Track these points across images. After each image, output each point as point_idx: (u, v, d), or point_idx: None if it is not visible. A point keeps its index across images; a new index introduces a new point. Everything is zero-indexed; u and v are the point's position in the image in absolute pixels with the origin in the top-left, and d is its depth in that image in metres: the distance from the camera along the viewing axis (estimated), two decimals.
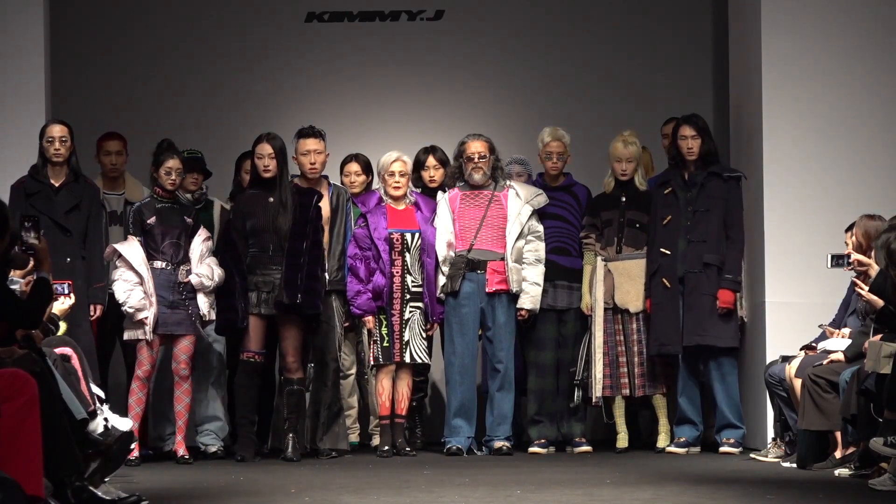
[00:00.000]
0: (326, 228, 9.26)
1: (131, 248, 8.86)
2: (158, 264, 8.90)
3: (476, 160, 9.40)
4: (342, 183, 9.66)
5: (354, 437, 9.74)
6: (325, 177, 9.46)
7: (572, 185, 9.67)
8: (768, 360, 8.87)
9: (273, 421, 9.65)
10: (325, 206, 9.27)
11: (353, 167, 9.71)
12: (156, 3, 11.23)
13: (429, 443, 9.88)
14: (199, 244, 9.00)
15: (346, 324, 9.38)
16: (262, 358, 9.14)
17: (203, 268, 8.94)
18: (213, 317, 9.01)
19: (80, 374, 6.83)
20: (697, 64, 11.11)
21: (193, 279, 8.90)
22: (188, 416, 9.06)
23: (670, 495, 6.45)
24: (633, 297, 9.34)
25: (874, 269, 7.72)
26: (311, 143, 9.27)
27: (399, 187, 9.36)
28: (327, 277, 9.20)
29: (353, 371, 9.70)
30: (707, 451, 9.28)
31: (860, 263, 7.95)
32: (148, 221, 8.91)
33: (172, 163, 8.97)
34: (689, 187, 9.32)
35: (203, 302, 8.93)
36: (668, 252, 9.26)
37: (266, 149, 9.11)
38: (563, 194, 9.61)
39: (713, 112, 10.74)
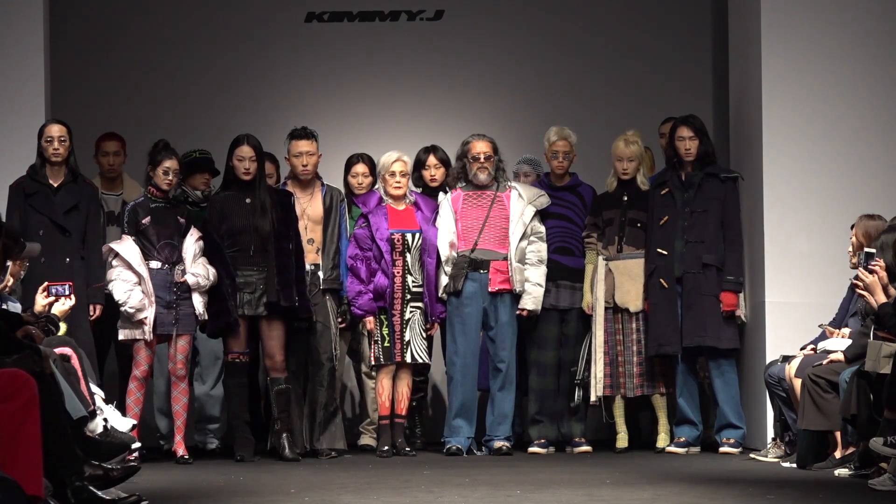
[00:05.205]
0: (319, 228, 9.28)
1: (128, 248, 8.84)
2: (154, 265, 8.89)
3: (482, 160, 9.40)
4: (348, 183, 9.66)
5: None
6: (319, 178, 9.47)
7: (578, 185, 9.66)
8: (768, 360, 8.87)
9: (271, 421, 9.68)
10: (317, 205, 9.29)
11: (361, 168, 9.67)
12: (155, 4, 11.23)
13: (429, 443, 9.88)
14: (192, 244, 8.99)
15: (342, 324, 9.37)
16: (248, 358, 9.16)
17: (198, 267, 8.94)
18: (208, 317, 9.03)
19: (79, 373, 6.84)
20: (697, 64, 11.11)
21: (190, 279, 8.89)
22: (186, 416, 9.08)
23: (670, 495, 6.45)
24: (633, 296, 9.34)
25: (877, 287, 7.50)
26: (303, 145, 9.29)
27: (400, 187, 9.37)
28: (321, 276, 9.22)
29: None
30: (707, 451, 9.28)
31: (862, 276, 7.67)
32: (143, 221, 8.90)
33: (170, 163, 8.96)
34: (686, 188, 9.32)
35: (198, 302, 8.93)
36: (665, 252, 9.27)
37: (247, 151, 9.12)
38: (568, 194, 9.61)
39: (713, 112, 10.74)
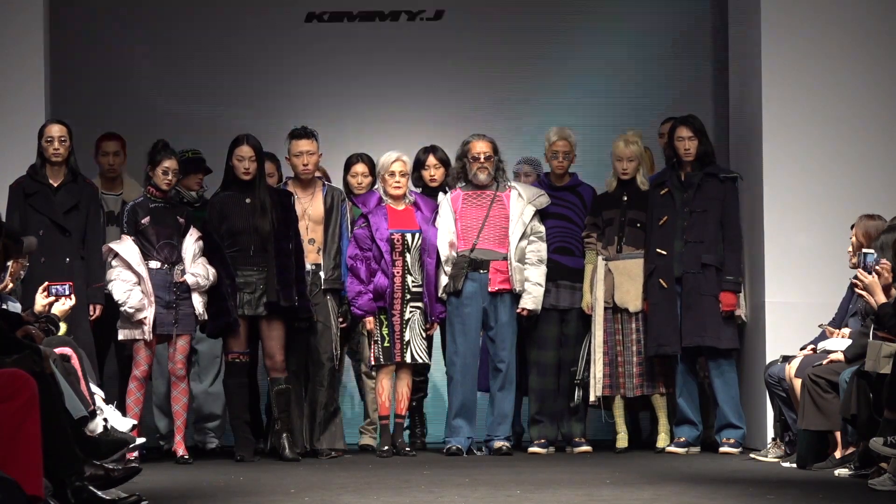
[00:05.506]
0: (320, 228, 9.29)
1: (128, 248, 8.85)
2: (154, 265, 8.89)
3: (482, 160, 9.40)
4: (348, 183, 9.67)
5: None
6: (320, 177, 9.47)
7: (577, 185, 9.66)
8: (768, 360, 8.87)
9: (271, 421, 9.68)
10: (318, 205, 9.30)
11: (360, 168, 9.68)
12: (155, 4, 11.22)
13: (429, 443, 9.88)
14: (192, 244, 8.99)
15: (344, 324, 9.37)
16: (248, 357, 9.16)
17: (198, 267, 8.94)
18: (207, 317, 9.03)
19: (79, 373, 6.84)
20: (697, 64, 11.10)
21: (189, 279, 8.90)
22: (186, 416, 9.09)
23: (670, 495, 6.45)
24: (632, 296, 9.34)
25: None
26: (303, 145, 9.29)
27: (399, 187, 9.37)
28: (322, 276, 9.23)
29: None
30: (707, 451, 9.28)
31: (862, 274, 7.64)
32: (142, 221, 8.90)
33: (169, 163, 8.97)
34: (685, 188, 9.33)
35: (198, 302, 8.93)
36: (664, 252, 9.27)
37: (247, 151, 9.13)
38: (568, 194, 9.62)
39: (713, 112, 10.73)
